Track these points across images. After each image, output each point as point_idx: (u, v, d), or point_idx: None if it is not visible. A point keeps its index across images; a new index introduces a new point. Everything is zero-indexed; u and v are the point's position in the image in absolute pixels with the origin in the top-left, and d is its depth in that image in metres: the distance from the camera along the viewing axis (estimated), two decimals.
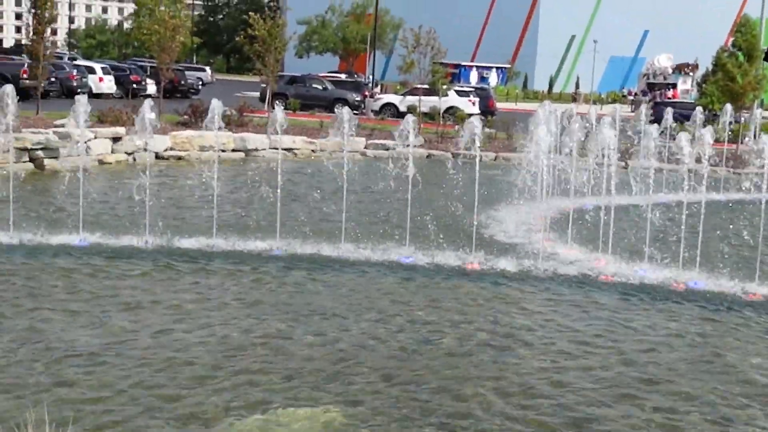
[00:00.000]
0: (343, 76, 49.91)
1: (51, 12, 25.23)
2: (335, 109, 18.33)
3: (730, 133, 28.51)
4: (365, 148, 26.14)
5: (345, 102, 34.17)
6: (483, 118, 23.32)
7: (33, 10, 24.96)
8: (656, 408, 6.80)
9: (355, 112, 27.67)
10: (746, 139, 23.79)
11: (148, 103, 14.29)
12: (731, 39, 36.46)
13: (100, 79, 41.51)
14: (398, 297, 10.53)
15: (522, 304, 10.48)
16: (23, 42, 35.64)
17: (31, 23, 25.30)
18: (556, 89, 70.70)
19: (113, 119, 22.63)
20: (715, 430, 6.45)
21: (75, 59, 52.64)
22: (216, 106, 13.57)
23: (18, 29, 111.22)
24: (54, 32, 27.16)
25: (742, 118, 31.47)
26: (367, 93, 40.64)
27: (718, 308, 10.49)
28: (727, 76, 33.04)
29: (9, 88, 13.78)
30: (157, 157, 21.99)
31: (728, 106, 28.21)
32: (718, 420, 6.60)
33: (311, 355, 7.96)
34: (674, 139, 15.28)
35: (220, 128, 13.82)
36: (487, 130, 26.26)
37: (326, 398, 6.74)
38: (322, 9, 69.41)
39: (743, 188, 17.59)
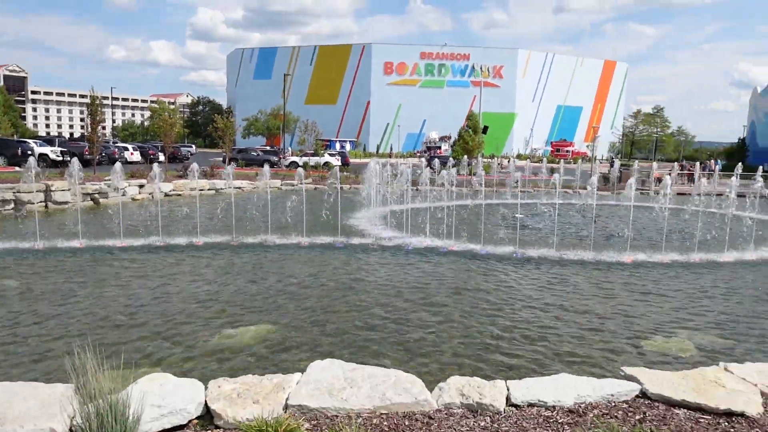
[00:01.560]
0: (267, 148, 59.15)
1: (100, 116, 28.59)
2: (264, 165, 20.01)
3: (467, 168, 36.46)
4: (281, 185, 30.38)
5: (269, 162, 40.21)
6: (342, 167, 32.85)
7: (90, 115, 27.89)
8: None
9: (275, 166, 38.33)
10: (476, 173, 25.85)
11: (156, 166, 16.48)
12: (466, 122, 49.59)
13: (131, 153, 44.78)
14: (297, 262, 11.97)
15: (362, 262, 12.23)
16: (84, 133, 39.73)
17: (88, 122, 28.36)
18: (380, 150, 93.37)
19: (138, 175, 25.10)
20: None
21: (116, 142, 55.27)
22: (195, 167, 15.61)
23: (82, 126, 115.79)
24: (102, 127, 29.60)
25: (473, 162, 39.11)
26: (281, 156, 47.68)
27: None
28: (464, 141, 47.08)
29: (75, 160, 16.53)
30: (165, 195, 24.06)
31: (465, 157, 40.35)
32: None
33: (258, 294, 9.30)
34: (439, 173, 18.41)
35: (199, 178, 15.84)
36: (345, 173, 32.82)
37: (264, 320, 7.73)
38: (256, 111, 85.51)
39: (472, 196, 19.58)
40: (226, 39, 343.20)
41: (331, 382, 4.21)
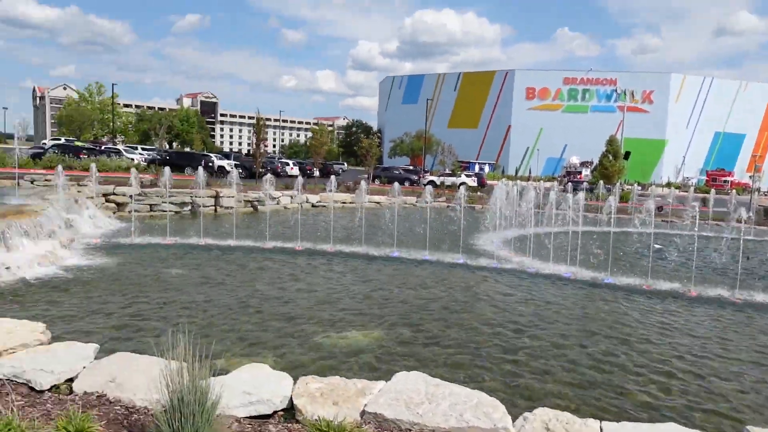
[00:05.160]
0: (410, 167, 60.02)
1: (263, 135, 31.24)
2: (404, 183, 20.49)
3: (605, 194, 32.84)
4: (416, 202, 30.60)
5: (409, 180, 42.72)
6: (478, 188, 34.74)
7: (255, 134, 30.48)
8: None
9: (414, 184, 39.71)
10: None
11: (299, 180, 17.33)
12: (606, 147, 45.56)
13: (291, 168, 47.72)
14: (418, 276, 11.68)
15: (482, 282, 11.78)
16: (251, 150, 44.24)
17: (253, 140, 30.90)
18: (519, 173, 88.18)
19: (291, 187, 26.18)
20: None
21: (280, 158, 60.13)
22: (333, 182, 16.13)
23: (249, 144, 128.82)
24: (265, 144, 32.35)
25: (611, 188, 35.79)
26: (420, 175, 48.35)
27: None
28: (604, 166, 44.01)
29: (235, 171, 18.29)
30: (312, 206, 25.64)
31: (602, 182, 36.35)
32: None
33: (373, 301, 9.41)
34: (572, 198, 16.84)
35: (342, 192, 16.27)
36: (478, 193, 32.77)
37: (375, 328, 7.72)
38: (402, 133, 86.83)
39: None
40: (381, 68, 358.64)
41: (411, 395, 4.05)
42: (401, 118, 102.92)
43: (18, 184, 19.42)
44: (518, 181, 23.96)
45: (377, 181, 41.89)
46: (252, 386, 3.94)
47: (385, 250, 14.43)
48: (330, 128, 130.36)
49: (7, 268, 9.87)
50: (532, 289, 11.20)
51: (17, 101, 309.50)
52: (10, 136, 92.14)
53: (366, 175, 46.18)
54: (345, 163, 79.90)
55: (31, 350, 4.39)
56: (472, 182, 43.92)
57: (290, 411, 3.88)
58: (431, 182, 43.69)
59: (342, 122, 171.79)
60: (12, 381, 3.85)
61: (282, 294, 9.62)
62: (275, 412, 3.85)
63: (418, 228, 15.65)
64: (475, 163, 74.45)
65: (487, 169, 74.51)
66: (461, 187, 18.30)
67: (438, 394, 4.11)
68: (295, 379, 4.20)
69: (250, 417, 3.73)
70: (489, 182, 51.99)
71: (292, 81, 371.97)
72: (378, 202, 28.25)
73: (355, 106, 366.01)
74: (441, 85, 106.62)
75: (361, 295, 9.94)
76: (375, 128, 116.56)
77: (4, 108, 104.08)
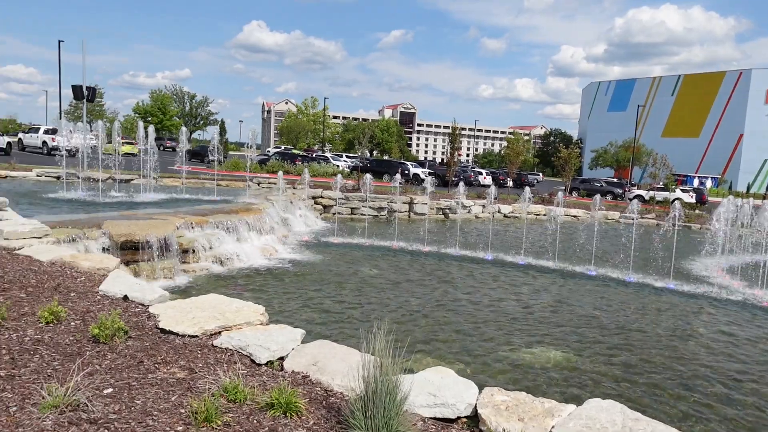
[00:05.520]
0: (614, 180, 54.96)
1: (458, 144, 31.52)
2: (606, 196, 19.30)
3: None
4: (619, 217, 28.25)
5: (612, 193, 39.51)
6: (697, 205, 30.47)
7: (450, 143, 31.12)
8: None
9: (618, 198, 37.01)
10: None
11: (492, 190, 17.20)
12: None
13: (484, 177, 47.44)
14: (616, 299, 10.85)
15: (696, 311, 10.34)
16: (444, 159, 45.50)
17: (447, 149, 31.75)
18: (752, 190, 75.73)
19: (483, 196, 25.98)
20: None
21: (473, 167, 60.26)
22: (527, 192, 15.81)
23: (443, 153, 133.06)
24: (459, 154, 32.92)
25: None
26: (626, 189, 44.04)
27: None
28: None
29: (429, 180, 18.72)
30: (504, 216, 25.30)
31: None
32: None
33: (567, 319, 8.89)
34: None
35: (536, 203, 15.98)
36: (697, 211, 28.90)
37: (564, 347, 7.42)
38: (606, 143, 79.68)
39: None
40: (585, 74, 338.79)
41: (605, 426, 3.72)
42: (605, 126, 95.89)
43: (248, 185, 22.79)
44: (751, 199, 20.40)
45: (575, 194, 39.61)
46: (437, 388, 4.03)
47: (580, 266, 13.68)
48: (526, 137, 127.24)
49: (237, 256, 11.69)
50: (764, 327, 9.48)
51: (250, 115, 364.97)
52: (243, 145, 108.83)
53: (563, 187, 44.00)
54: (540, 174, 77.08)
55: (253, 328, 5.11)
56: (689, 198, 38.58)
57: (473, 419, 3.88)
58: (638, 196, 39.78)
59: (539, 131, 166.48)
60: (238, 352, 4.54)
61: (469, 302, 9.68)
62: (458, 418, 3.88)
63: (619, 246, 14.39)
64: (693, 176, 65.73)
65: (709, 183, 65.22)
66: (675, 202, 16.28)
67: (637, 429, 3.72)
68: (480, 388, 4.18)
69: (434, 418, 3.83)
70: (711, 199, 45.44)
71: (489, 90, 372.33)
72: (575, 216, 26.92)
73: (553, 114, 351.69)
74: (655, 90, 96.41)
75: (550, 311, 9.55)
76: (575, 137, 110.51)
77: (240, 121, 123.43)
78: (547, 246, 16.41)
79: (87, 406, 3.23)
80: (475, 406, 3.95)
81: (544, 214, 26.05)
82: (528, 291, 11.10)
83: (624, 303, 10.63)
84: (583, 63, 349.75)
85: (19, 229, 8.25)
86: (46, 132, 38.86)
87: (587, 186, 42.56)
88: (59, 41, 46.88)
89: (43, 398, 3.25)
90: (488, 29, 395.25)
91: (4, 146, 34.46)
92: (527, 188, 16.28)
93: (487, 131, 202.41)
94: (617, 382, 6.35)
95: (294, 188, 21.79)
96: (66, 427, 3.01)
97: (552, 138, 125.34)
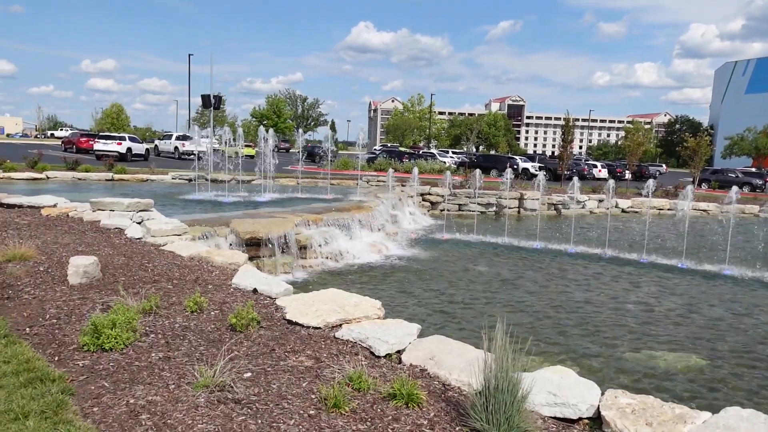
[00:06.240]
0: (752, 170, 48.96)
1: (571, 136, 30.12)
2: (742, 188, 17.71)
3: None
4: (758, 211, 25.70)
5: (750, 185, 36.07)
6: None
7: (563, 136, 29.87)
8: None
9: (758, 190, 33.26)
10: None
11: (610, 183, 16.27)
12: None
13: (599, 170, 45.26)
14: (749, 302, 10.05)
15: None
16: (555, 152, 43.41)
17: (559, 141, 30.57)
18: None
19: (598, 190, 25.16)
20: None
21: (587, 160, 57.09)
22: (650, 184, 14.83)
23: (554, 146, 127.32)
24: (572, 146, 31.61)
25: None
26: (766, 179, 38.72)
27: None
28: None
29: (542, 175, 18.08)
30: (622, 211, 23.99)
31: None
32: None
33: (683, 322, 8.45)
34: None
35: (661, 197, 14.89)
36: None
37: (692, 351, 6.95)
38: (743, 129, 72.33)
39: None
40: (719, 53, 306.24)
41: None
42: (743, 111, 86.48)
43: (357, 183, 23.57)
44: None
45: (704, 186, 36.27)
46: (557, 388, 4.00)
47: (712, 266, 12.60)
48: (647, 126, 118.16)
49: (349, 253, 12.21)
50: None
51: (357, 114, 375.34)
52: (351, 143, 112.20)
53: (690, 179, 40.44)
54: (664, 165, 71.05)
55: (371, 322, 5.36)
56: None
57: (596, 421, 3.80)
58: None
59: (662, 119, 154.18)
60: (359, 344, 4.81)
61: (586, 302, 9.37)
62: (580, 419, 3.83)
63: (760, 242, 13.00)
64: None
65: None
66: None
67: None
68: (603, 390, 4.08)
69: (554, 417, 3.80)
70: None
71: (605, 77, 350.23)
72: (705, 210, 24.77)
73: (679, 99, 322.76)
74: None
75: (676, 312, 8.95)
76: (705, 124, 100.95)
77: (348, 120, 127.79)
78: (671, 243, 15.39)
79: (231, 387, 3.63)
80: (598, 408, 3.87)
81: (669, 209, 24.40)
82: (651, 291, 10.46)
83: (760, 307, 9.66)
84: (716, 42, 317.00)
85: (163, 227, 9.30)
86: (177, 138, 43.35)
87: (720, 177, 38.80)
88: (189, 55, 51.38)
89: (195, 378, 3.72)
90: (605, 13, 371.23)
91: (143, 152, 38.69)
92: (650, 180, 15.21)
93: (602, 121, 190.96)
94: (754, 394, 5.83)
95: (402, 186, 22.20)
96: (216, 405, 3.41)
97: (678, 126, 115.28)
